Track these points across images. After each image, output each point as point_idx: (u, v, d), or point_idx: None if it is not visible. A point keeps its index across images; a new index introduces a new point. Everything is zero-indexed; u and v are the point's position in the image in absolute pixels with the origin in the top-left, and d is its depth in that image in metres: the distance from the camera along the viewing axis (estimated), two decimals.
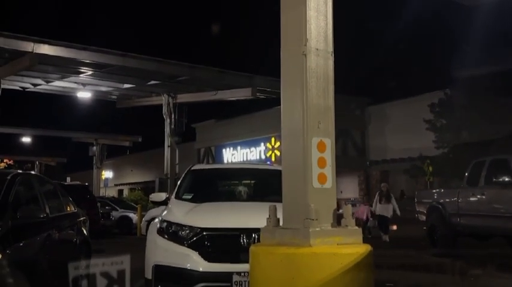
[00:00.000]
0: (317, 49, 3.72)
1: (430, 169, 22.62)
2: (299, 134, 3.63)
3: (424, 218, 12.58)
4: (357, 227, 3.67)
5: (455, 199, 11.27)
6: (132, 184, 48.87)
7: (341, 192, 28.81)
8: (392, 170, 30.82)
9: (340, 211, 3.65)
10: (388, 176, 31.61)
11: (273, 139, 31.72)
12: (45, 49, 21.04)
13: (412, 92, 29.15)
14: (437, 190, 13.49)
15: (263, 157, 33.85)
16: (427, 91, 26.65)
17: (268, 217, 3.75)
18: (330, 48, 3.83)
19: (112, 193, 45.25)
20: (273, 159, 31.19)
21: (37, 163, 50.67)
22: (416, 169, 24.59)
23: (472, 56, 20.51)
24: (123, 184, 50.92)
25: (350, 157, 31.91)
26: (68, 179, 40.45)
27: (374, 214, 16.01)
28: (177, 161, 28.93)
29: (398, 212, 15.12)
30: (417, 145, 25.10)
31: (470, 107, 22.17)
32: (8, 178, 5.11)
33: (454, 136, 22.56)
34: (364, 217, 16.08)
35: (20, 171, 6.22)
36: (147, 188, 37.44)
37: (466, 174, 11.33)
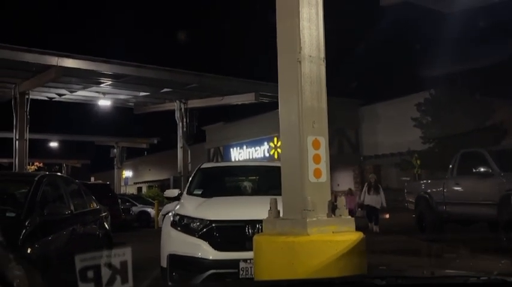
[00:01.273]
0: (310, 56, 3.71)
1: (418, 162, 22.53)
2: (296, 133, 3.63)
3: (413, 207, 12.53)
4: (350, 217, 3.66)
5: (441, 189, 11.23)
6: (149, 182, 48.95)
7: (338, 185, 28.75)
8: (384, 164, 30.71)
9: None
10: (380, 169, 31.47)
11: (275, 139, 31.70)
12: (69, 63, 21.12)
13: (400, 92, 29.09)
14: (425, 181, 13.44)
15: (267, 155, 33.83)
16: (414, 92, 26.56)
17: (269, 209, 3.74)
18: (322, 54, 3.82)
19: (132, 190, 45.34)
20: (275, 157, 31.17)
21: (64, 165, 50.87)
22: (406, 162, 24.51)
23: (451, 56, 20.45)
24: (142, 182, 51.00)
25: (345, 153, 31.84)
26: (92, 179, 40.61)
27: (362, 204, 15.09)
28: (189, 161, 28.96)
29: (384, 204, 14.18)
30: (406, 140, 25.01)
31: (452, 104, 22.09)
32: (36, 179, 5.13)
33: (439, 132, 22.46)
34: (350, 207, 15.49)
35: (47, 172, 6.24)
36: (163, 185, 37.49)
37: (450, 166, 11.27)
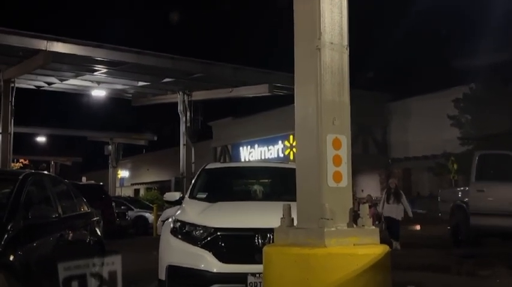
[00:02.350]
0: (331, 43, 3.70)
1: (455, 166, 22.35)
2: (314, 131, 3.61)
3: (447, 217, 12.45)
4: (374, 227, 3.64)
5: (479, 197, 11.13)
6: (148, 183, 49.27)
7: (362, 191, 28.65)
8: (415, 167, 30.54)
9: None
10: (411, 174, 31.34)
11: (291, 137, 31.63)
12: (59, 47, 21.29)
13: (435, 87, 28.87)
14: (462, 188, 13.33)
15: (281, 155, 33.83)
16: (452, 86, 26.35)
17: (282, 216, 3.74)
18: (345, 42, 3.80)
19: (128, 192, 45.68)
20: (291, 157, 31.15)
21: (52, 162, 51.35)
22: (440, 166, 24.33)
23: (495, 45, 20.26)
24: (140, 183, 51.36)
25: (371, 154, 31.72)
26: (84, 178, 40.92)
27: (381, 215, 13.92)
28: (193, 160, 29.06)
29: (410, 213, 13.06)
30: (441, 141, 24.84)
31: (495, 101, 21.87)
32: (20, 178, 5.18)
33: (480, 132, 22.25)
34: None
35: (32, 171, 6.30)
36: (164, 187, 37.69)
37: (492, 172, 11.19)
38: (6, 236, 4.30)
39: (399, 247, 12.39)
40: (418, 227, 19.10)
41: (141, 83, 27.56)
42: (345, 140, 3.68)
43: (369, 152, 31.89)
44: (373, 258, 3.31)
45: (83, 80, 26.52)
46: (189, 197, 6.32)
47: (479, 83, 23.28)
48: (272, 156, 34.61)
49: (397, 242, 12.58)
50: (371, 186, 29.30)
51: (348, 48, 3.81)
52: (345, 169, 3.63)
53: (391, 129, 32.56)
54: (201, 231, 5.17)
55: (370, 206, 15.70)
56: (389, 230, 12.92)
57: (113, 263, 1.72)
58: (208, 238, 5.08)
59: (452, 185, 20.71)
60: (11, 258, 4.22)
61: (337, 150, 3.62)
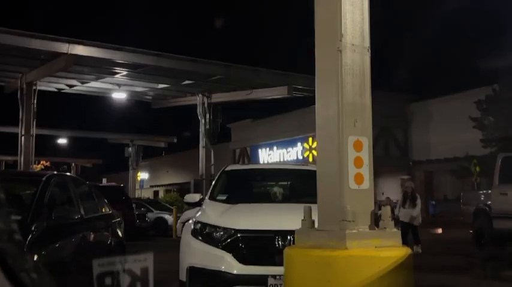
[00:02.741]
0: (353, 44, 3.70)
1: (478, 169, 22.07)
2: (334, 132, 3.63)
3: (470, 220, 12.31)
4: (395, 229, 3.64)
5: (503, 200, 10.98)
6: (167, 185, 49.57)
7: (382, 193, 28.43)
8: (437, 170, 30.22)
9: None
10: (433, 177, 31.03)
11: (310, 139, 31.59)
12: (80, 50, 21.54)
13: (457, 88, 28.57)
14: (485, 191, 13.16)
15: (300, 157, 33.76)
16: (474, 87, 26.04)
17: (303, 218, 3.75)
18: (367, 43, 3.80)
19: (147, 194, 46.01)
20: (310, 159, 31.07)
21: (73, 164, 52.01)
22: (463, 169, 24.05)
23: None
24: (159, 185, 51.71)
25: (392, 156, 31.47)
26: (104, 180, 41.33)
27: (397, 219, 12.86)
28: (212, 162, 29.13)
29: (419, 219, 12.71)
30: (463, 143, 24.55)
31: None
32: (43, 179, 5.27)
33: (503, 134, 21.94)
34: None
35: (55, 172, 6.40)
36: (183, 189, 37.88)
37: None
38: (30, 236, 4.39)
39: (420, 250, 12.12)
40: (439, 230, 18.92)
41: (161, 86, 27.76)
42: (367, 142, 3.68)
43: (390, 154, 31.64)
44: (395, 260, 3.31)
45: (103, 82, 26.79)
46: (209, 198, 6.36)
47: (503, 84, 22.96)
48: (291, 158, 34.55)
49: (418, 245, 12.32)
50: (392, 189, 29.07)
51: (370, 50, 3.81)
52: (366, 170, 3.63)
53: (412, 131, 32.27)
54: (222, 233, 5.20)
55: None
56: (404, 235, 11.70)
57: (145, 260, 1.75)
58: (229, 240, 5.11)
59: (474, 188, 20.46)
60: (36, 258, 4.30)
61: (359, 152, 3.62)
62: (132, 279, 1.70)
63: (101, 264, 1.63)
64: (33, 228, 4.50)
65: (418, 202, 12.68)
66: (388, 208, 3.80)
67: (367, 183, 3.62)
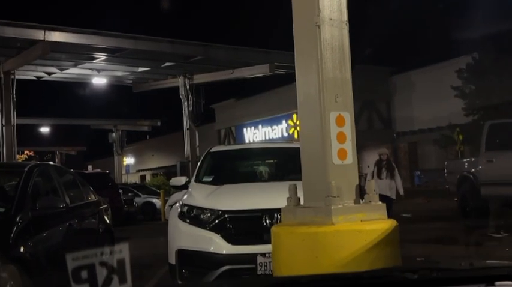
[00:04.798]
0: (331, 19, 3.67)
1: (461, 137, 22.30)
2: (316, 109, 3.62)
3: (455, 189, 12.47)
4: (380, 203, 3.66)
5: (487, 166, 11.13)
6: (154, 169, 49.44)
7: (368, 167, 28.63)
8: (420, 141, 30.48)
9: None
10: (417, 147, 31.30)
11: (294, 116, 31.58)
12: (57, 36, 21.18)
13: (437, 58, 28.67)
14: (468, 159, 13.32)
15: (285, 134, 33.82)
16: (454, 57, 26.15)
17: (288, 196, 3.76)
18: (345, 17, 3.77)
19: (134, 179, 45.89)
20: (295, 136, 31.13)
21: (57, 152, 51.55)
22: (446, 138, 24.28)
23: (497, 13, 20.03)
24: (145, 170, 51.56)
25: (376, 129, 31.64)
26: (90, 167, 41.12)
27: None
28: (197, 144, 29.06)
29: (401, 191, 10.87)
30: (446, 113, 24.73)
31: (498, 69, 21.71)
32: (26, 169, 5.22)
33: (484, 102, 22.13)
34: None
35: (38, 162, 6.34)
36: (170, 172, 37.84)
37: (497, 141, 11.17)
38: (15, 228, 4.35)
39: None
40: (424, 200, 19.17)
41: (141, 69, 27.47)
42: (349, 117, 3.68)
43: (373, 127, 31.81)
44: (381, 233, 3.34)
45: (82, 68, 26.42)
46: (195, 181, 6.35)
47: (482, 52, 23.08)
48: (276, 136, 34.61)
49: None
50: None
51: (348, 24, 3.78)
52: (349, 145, 3.64)
53: (395, 104, 32.43)
54: (209, 214, 5.21)
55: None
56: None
57: (121, 251, 1.74)
58: (216, 221, 5.12)
59: (458, 156, 20.70)
60: (22, 250, 4.27)
61: (341, 127, 3.62)
62: (109, 272, 1.69)
63: (75, 258, 1.62)
64: (17, 219, 4.46)
65: (396, 171, 11.17)
66: (373, 181, 3.83)
67: (350, 158, 3.63)
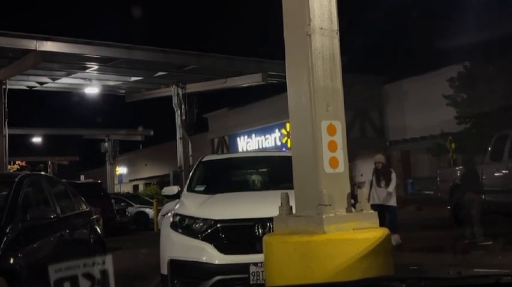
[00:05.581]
0: (321, 28, 3.69)
1: (453, 145, 22.40)
2: (307, 118, 3.62)
3: (447, 197, 12.50)
4: (372, 211, 3.66)
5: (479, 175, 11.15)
6: (147, 178, 49.29)
7: (361, 175, 28.69)
8: (413, 149, 30.59)
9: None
10: (409, 155, 31.40)
11: (287, 125, 31.62)
12: (49, 46, 21.14)
13: (429, 67, 28.86)
14: (461, 167, 13.36)
15: (278, 143, 33.84)
16: (446, 65, 26.33)
17: (280, 205, 3.76)
18: (335, 26, 3.79)
19: (127, 188, 45.69)
20: (288, 145, 31.15)
21: (49, 163, 51.25)
22: (439, 146, 24.37)
23: (488, 23, 20.22)
24: (138, 179, 51.38)
25: (369, 138, 31.74)
26: (82, 177, 40.92)
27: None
28: (190, 153, 29.01)
29: (391, 189, 10.33)
30: (438, 121, 24.84)
31: (490, 78, 21.86)
32: (16, 180, 5.18)
33: (476, 110, 22.25)
34: None
35: (29, 172, 6.30)
36: (163, 182, 37.70)
37: (489, 149, 11.21)
38: (5, 239, 4.31)
39: (400, 240, 9.59)
40: (418, 208, 19.18)
41: (133, 78, 27.45)
42: (340, 126, 3.69)
43: (366, 136, 31.92)
44: (373, 242, 3.33)
45: (75, 78, 26.36)
46: (187, 190, 6.32)
47: (473, 61, 23.24)
48: (270, 145, 34.62)
49: (397, 234, 9.42)
50: (370, 170, 29.35)
51: (339, 33, 3.80)
52: (341, 154, 3.64)
53: (387, 112, 32.56)
54: (201, 224, 5.18)
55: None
56: (382, 220, 8.17)
57: (104, 263, 1.73)
58: (209, 231, 5.09)
59: (451, 164, 20.77)
60: (12, 261, 4.23)
61: (332, 136, 3.63)
62: (92, 283, 1.68)
63: (57, 270, 1.60)
64: (7, 230, 4.42)
65: (394, 176, 10.66)
66: (365, 190, 3.83)
67: (342, 166, 3.63)
